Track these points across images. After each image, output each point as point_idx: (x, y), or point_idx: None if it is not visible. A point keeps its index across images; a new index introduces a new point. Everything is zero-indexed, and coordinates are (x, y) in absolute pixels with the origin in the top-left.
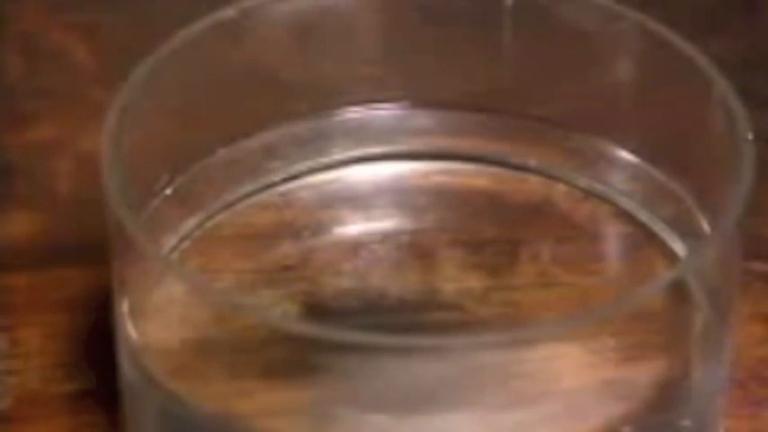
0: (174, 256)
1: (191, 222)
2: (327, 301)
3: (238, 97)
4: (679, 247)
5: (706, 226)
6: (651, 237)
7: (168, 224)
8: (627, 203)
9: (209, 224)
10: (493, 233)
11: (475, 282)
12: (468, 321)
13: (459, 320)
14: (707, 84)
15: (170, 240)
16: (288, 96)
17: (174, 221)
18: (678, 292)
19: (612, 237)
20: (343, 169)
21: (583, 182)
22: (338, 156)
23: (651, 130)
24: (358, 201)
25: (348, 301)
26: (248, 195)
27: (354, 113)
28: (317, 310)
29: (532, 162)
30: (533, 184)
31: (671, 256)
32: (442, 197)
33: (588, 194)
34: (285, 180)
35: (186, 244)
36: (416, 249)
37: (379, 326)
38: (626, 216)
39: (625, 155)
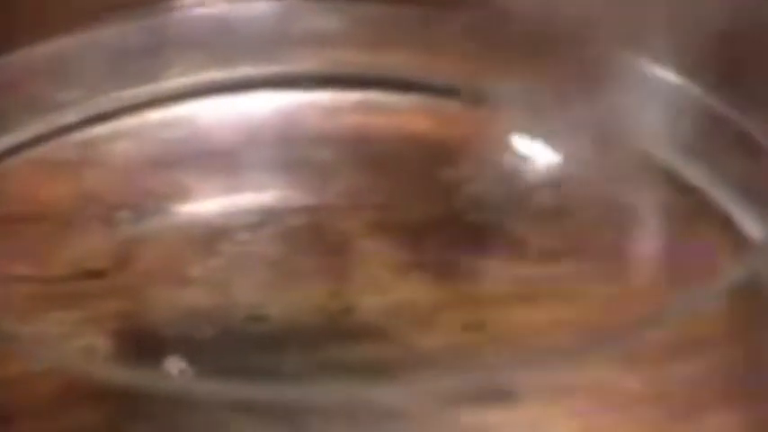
0: None
1: None
2: (161, 328)
3: None
4: (752, 225)
5: None
6: (707, 207)
7: None
8: (667, 155)
9: None
10: (442, 210)
11: (414, 292)
12: (403, 359)
13: (388, 358)
14: None
15: None
16: None
17: None
18: (754, 295)
19: (644, 210)
20: (188, 104)
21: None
22: (179, 81)
23: (706, 43)
24: (214, 158)
25: (197, 329)
26: (20, 147)
27: (206, 11)
28: (142, 344)
29: (509, 90)
30: (509, 127)
31: (739, 238)
32: (356, 151)
33: (603, 140)
34: (86, 121)
35: None
36: (315, 239)
37: (251, 369)
38: (666, 175)
39: (667, 78)
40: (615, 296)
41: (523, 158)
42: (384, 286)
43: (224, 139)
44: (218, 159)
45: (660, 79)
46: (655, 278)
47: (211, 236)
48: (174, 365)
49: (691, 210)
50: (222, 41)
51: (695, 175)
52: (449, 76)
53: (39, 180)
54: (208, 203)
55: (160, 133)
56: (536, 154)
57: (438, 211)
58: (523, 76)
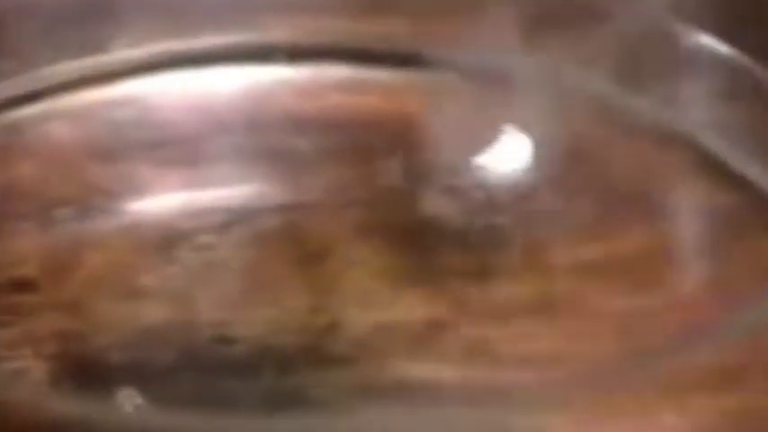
0: None
1: None
2: (108, 351)
3: None
4: None
5: None
6: (755, 201)
7: None
8: (706, 137)
9: None
10: (440, 210)
11: (408, 307)
12: (395, 386)
13: (377, 385)
14: None
15: None
16: None
17: None
18: None
19: (677, 206)
20: (139, 80)
21: (617, 99)
22: (128, 53)
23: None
24: (171, 146)
25: (152, 352)
26: None
27: None
28: (85, 369)
29: (517, 63)
30: (516, 107)
31: None
32: (339, 138)
33: (620, 121)
34: (16, 100)
35: None
36: (291, 244)
37: (216, 399)
38: (705, 162)
39: (706, 42)
40: (642, 311)
41: (530, 148)
42: (372, 300)
43: (182, 124)
44: (176, 147)
45: (707, 52)
46: (694, 290)
47: (168, 240)
48: (129, 400)
49: (738, 207)
50: (179, 5)
51: (743, 166)
52: (447, 49)
53: None
54: (164, 201)
55: (106, 115)
56: (542, 143)
57: (436, 210)
58: (531, 47)
